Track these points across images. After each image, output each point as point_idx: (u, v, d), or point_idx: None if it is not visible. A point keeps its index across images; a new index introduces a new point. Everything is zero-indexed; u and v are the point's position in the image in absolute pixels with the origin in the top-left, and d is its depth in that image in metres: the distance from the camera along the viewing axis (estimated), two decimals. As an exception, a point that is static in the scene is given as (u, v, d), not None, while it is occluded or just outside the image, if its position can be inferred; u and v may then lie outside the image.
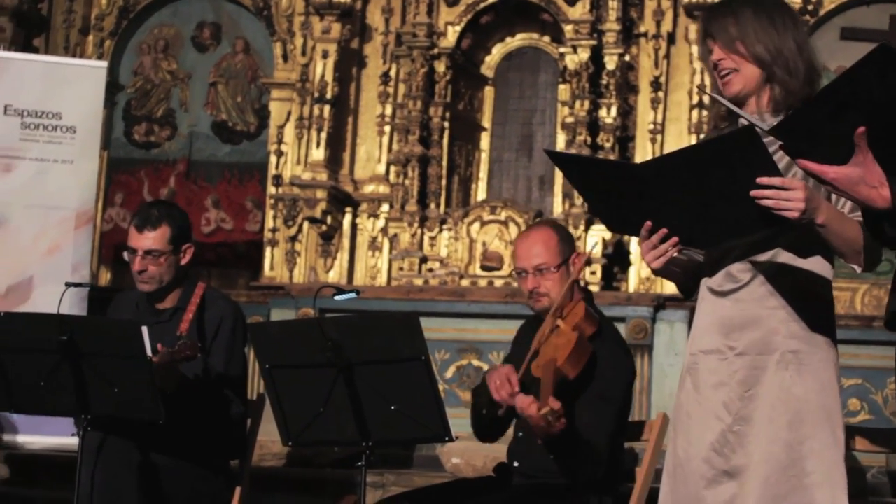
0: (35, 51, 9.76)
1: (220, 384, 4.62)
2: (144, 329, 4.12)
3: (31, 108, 7.44)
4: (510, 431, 4.47)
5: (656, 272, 3.24)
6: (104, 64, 8.31)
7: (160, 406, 4.16)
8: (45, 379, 4.22)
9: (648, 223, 3.07)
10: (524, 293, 4.34)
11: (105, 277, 10.02)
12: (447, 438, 3.83)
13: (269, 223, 9.72)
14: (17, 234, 7.38)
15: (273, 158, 9.84)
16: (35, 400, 4.30)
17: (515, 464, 4.33)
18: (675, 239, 3.07)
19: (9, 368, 4.24)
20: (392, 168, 9.57)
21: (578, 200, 8.89)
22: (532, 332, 4.33)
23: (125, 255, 4.73)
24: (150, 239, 4.68)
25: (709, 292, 3.30)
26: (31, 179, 7.43)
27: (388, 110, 9.68)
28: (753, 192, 2.87)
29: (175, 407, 4.29)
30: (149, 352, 4.13)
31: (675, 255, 3.14)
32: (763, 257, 3.20)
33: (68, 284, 4.89)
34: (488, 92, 9.82)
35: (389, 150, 9.65)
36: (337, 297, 4.35)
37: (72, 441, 7.12)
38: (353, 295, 4.34)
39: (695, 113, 8.98)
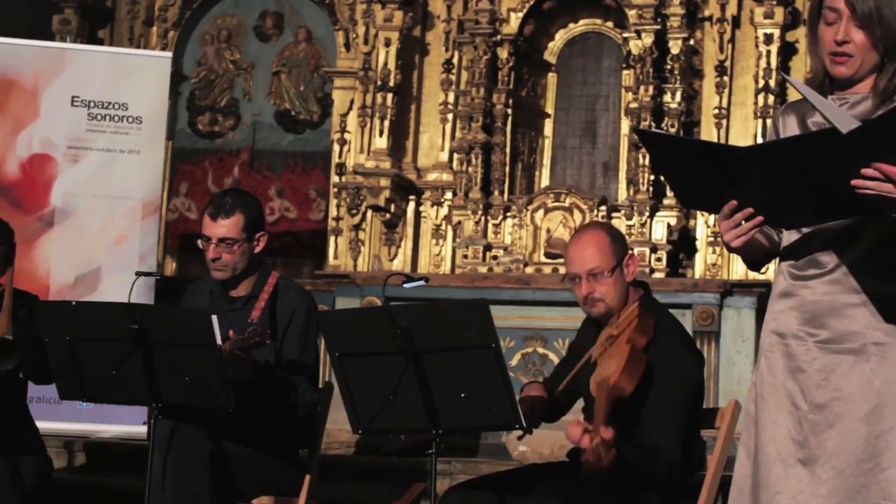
0: (100, 42, 9.83)
1: (292, 373, 4.62)
2: (214, 318, 4.13)
3: (98, 99, 7.49)
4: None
5: (731, 250, 3.19)
6: (169, 54, 8.36)
7: (230, 394, 4.17)
8: (117, 368, 4.23)
9: (733, 202, 3.03)
10: (579, 300, 4.24)
11: (170, 267, 10.09)
12: (517, 426, 3.81)
13: (333, 212, 9.74)
14: (85, 225, 7.45)
15: (336, 147, 9.86)
16: (107, 389, 4.32)
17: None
18: (759, 218, 3.03)
19: (81, 357, 4.26)
20: (455, 156, 9.55)
21: (643, 187, 8.84)
22: (593, 328, 4.29)
23: (199, 242, 4.73)
24: (224, 227, 4.67)
25: (789, 276, 3.24)
26: (97, 170, 7.49)
27: (451, 98, 9.66)
28: (856, 182, 2.82)
29: (248, 395, 4.30)
30: (219, 340, 4.13)
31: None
32: (848, 246, 3.14)
33: (138, 274, 4.91)
34: (551, 78, 9.77)
35: (452, 137, 9.62)
36: (406, 285, 4.34)
37: (140, 429, 7.22)
38: (421, 282, 4.33)
39: (760, 97, 8.88)
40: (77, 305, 4.37)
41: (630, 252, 4.28)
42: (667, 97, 8.96)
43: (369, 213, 9.52)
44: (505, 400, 3.77)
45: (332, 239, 9.69)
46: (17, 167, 7.43)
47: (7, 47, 7.51)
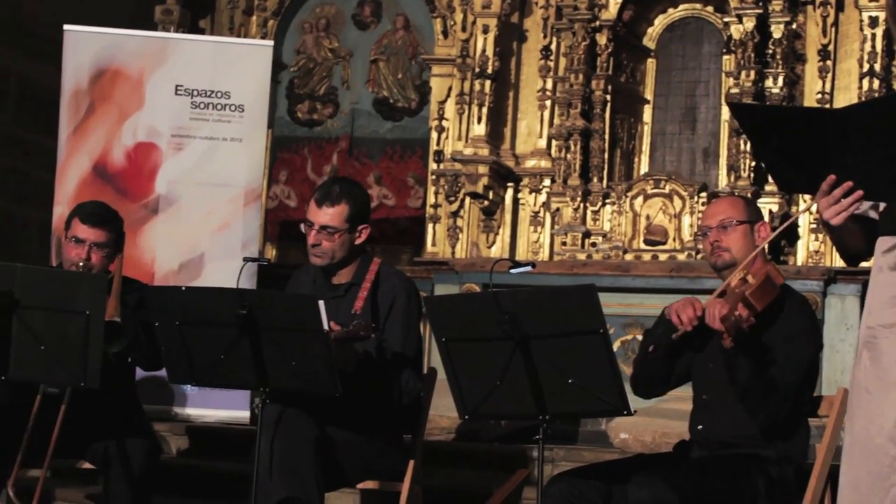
0: (201, 32, 9.94)
1: (395, 360, 4.63)
2: (321, 303, 4.16)
3: (201, 87, 7.58)
4: (683, 397, 4.43)
5: (832, 230, 3.14)
6: (270, 43, 8.42)
7: (337, 380, 4.19)
8: (225, 352, 4.28)
9: (832, 177, 2.98)
10: (706, 252, 4.34)
11: (270, 254, 10.16)
12: (625, 412, 3.80)
13: (431, 199, 9.75)
14: (189, 213, 7.54)
15: (434, 134, 9.86)
16: (215, 373, 4.37)
17: (699, 426, 4.28)
18: (859, 193, 2.98)
19: (190, 342, 4.32)
20: (553, 142, 9.52)
21: (745, 173, 8.73)
22: None
23: (302, 226, 4.76)
24: (328, 215, 4.69)
25: (887, 265, 3.19)
26: (200, 158, 7.58)
27: (549, 84, 9.61)
28: None
29: (352, 382, 4.33)
30: (325, 326, 4.16)
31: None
32: None
33: (246, 259, 4.97)
34: (650, 64, 9.69)
35: (550, 124, 9.58)
36: (512, 271, 4.34)
37: (244, 414, 7.30)
38: (528, 268, 4.33)
39: (865, 82, 8.71)
40: (187, 290, 4.42)
41: (764, 222, 4.35)
42: (768, 82, 8.83)
43: (467, 200, 9.52)
44: (613, 386, 3.77)
45: (430, 226, 9.70)
46: (122, 156, 7.55)
47: (112, 38, 7.62)
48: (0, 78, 9.06)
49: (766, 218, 8.50)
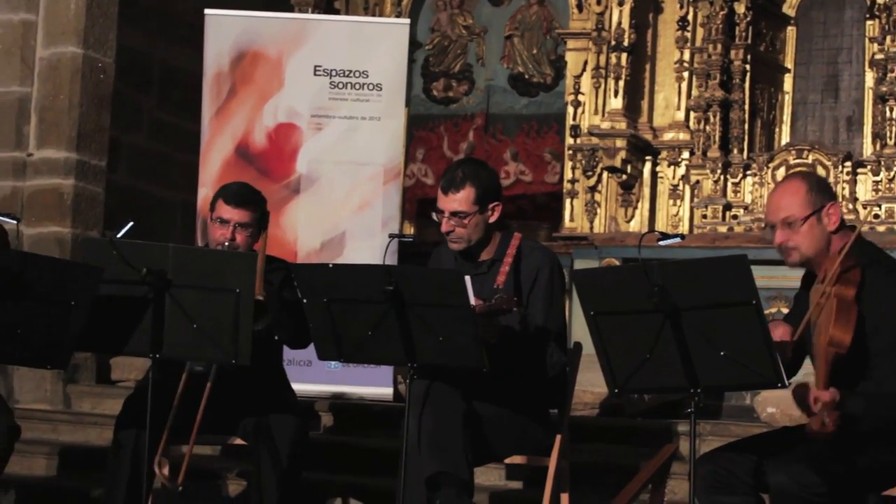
0: (336, 12, 10.00)
1: (540, 334, 4.62)
2: (467, 278, 4.17)
3: (339, 67, 7.62)
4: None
5: None
6: (407, 21, 8.44)
7: (483, 355, 4.20)
8: (373, 328, 4.31)
9: None
10: (776, 247, 4.17)
11: (409, 232, 10.21)
12: (780, 384, 3.73)
13: (569, 174, 9.69)
14: (330, 191, 7.60)
15: (570, 109, 9.78)
16: (363, 349, 4.39)
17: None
18: None
19: (337, 319, 4.35)
20: (692, 114, 9.40)
21: (891, 141, 8.53)
22: (809, 280, 4.18)
23: (434, 215, 4.77)
24: (456, 201, 4.68)
25: None
26: (340, 137, 7.62)
27: (687, 55, 9.48)
28: None
29: (498, 357, 4.33)
30: (472, 301, 4.17)
31: None
32: None
33: (391, 236, 4.99)
34: (790, 32, 9.51)
35: (689, 95, 9.46)
36: (661, 242, 4.28)
37: (388, 391, 7.36)
38: (677, 239, 4.27)
39: None
40: (335, 268, 4.46)
41: (832, 202, 4.13)
42: (914, 47, 8.61)
43: (605, 174, 9.45)
44: (766, 358, 3.70)
45: (567, 201, 9.64)
46: (263, 137, 7.63)
47: (252, 21, 7.71)
48: (144, 64, 9.24)
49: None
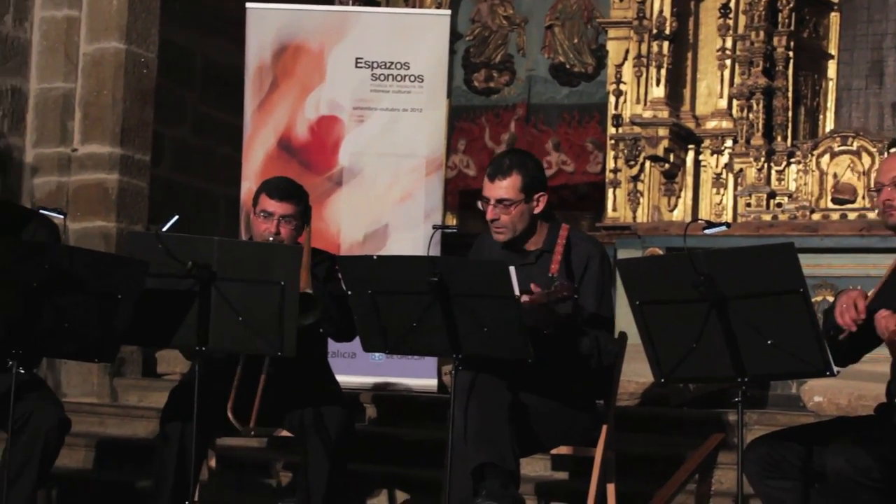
0: (377, 4, 10.01)
1: (592, 324, 4.61)
2: (512, 269, 4.16)
3: (381, 59, 7.61)
4: (878, 358, 4.30)
5: None
6: (448, 12, 8.41)
7: (528, 345, 4.19)
8: (418, 320, 4.31)
9: None
10: (879, 209, 4.21)
11: (451, 223, 10.22)
12: (828, 373, 3.70)
13: (611, 163, 9.67)
14: (372, 184, 7.59)
15: (612, 98, 9.76)
16: (408, 341, 4.39)
17: (896, 401, 4.16)
18: None
19: (382, 310, 4.35)
20: (735, 102, 9.35)
21: (937, 126, 8.47)
22: None
23: (479, 203, 4.76)
24: (502, 188, 4.67)
25: None
26: (382, 129, 7.62)
27: (729, 43, 9.44)
28: None
29: (547, 347, 4.32)
30: (517, 291, 4.16)
31: None
32: None
33: (435, 227, 4.99)
34: (833, 18, 9.46)
35: (731, 83, 9.42)
36: (707, 231, 4.26)
37: (431, 382, 7.36)
38: (723, 227, 4.25)
39: None
40: (379, 260, 4.46)
41: None
42: (961, 31, 8.54)
43: (648, 163, 9.42)
44: (815, 346, 3.68)
45: (610, 191, 9.63)
46: (306, 129, 7.64)
47: (294, 14, 7.71)
48: (186, 58, 9.27)
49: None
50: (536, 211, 4.73)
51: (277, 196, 5.04)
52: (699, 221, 4.79)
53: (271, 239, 4.97)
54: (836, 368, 3.70)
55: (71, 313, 4.23)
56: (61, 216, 4.46)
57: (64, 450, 4.86)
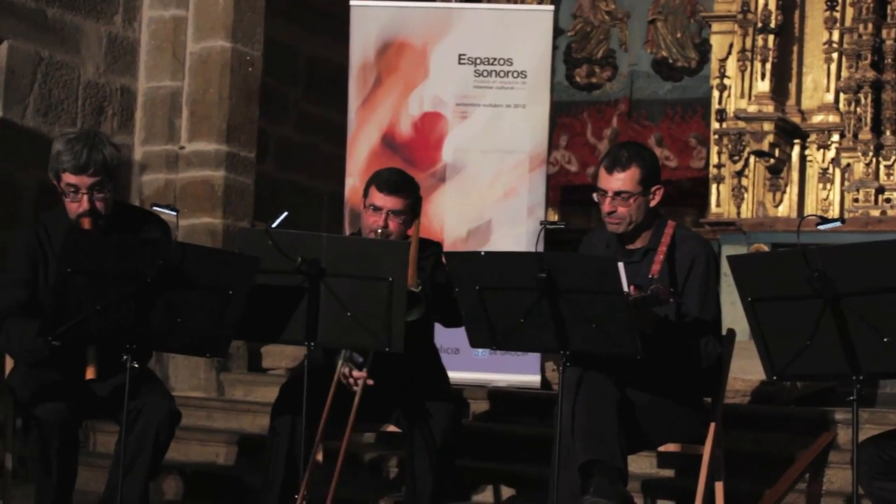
0: (480, 1, 10.01)
1: (695, 324, 4.57)
2: (621, 265, 4.14)
3: (483, 55, 7.62)
4: None
5: None
6: (551, 8, 8.38)
7: (637, 342, 4.17)
8: (525, 316, 4.31)
9: None
10: None
11: (554, 219, 10.19)
12: (946, 371, 3.64)
13: (714, 159, 9.56)
14: (475, 180, 7.60)
15: (716, 93, 9.65)
16: (515, 336, 4.40)
17: None
18: None
19: (490, 306, 4.36)
20: (842, 96, 9.20)
21: None
22: None
23: (595, 196, 4.75)
24: (620, 180, 4.67)
25: None
26: (485, 125, 7.62)
27: (836, 36, 9.28)
28: None
29: (652, 345, 4.29)
30: (625, 287, 4.14)
31: None
32: None
33: (543, 223, 4.98)
34: (945, 8, 9.25)
35: (838, 77, 9.26)
36: (820, 227, 4.21)
37: (535, 378, 7.35)
38: (837, 223, 4.20)
39: None
40: (486, 255, 4.46)
41: None
42: None
43: (752, 158, 9.30)
44: (933, 344, 3.62)
45: (713, 186, 9.53)
46: (409, 126, 7.67)
47: (398, 11, 7.75)
48: (290, 57, 9.36)
49: None
50: (653, 204, 4.73)
51: (387, 190, 5.03)
52: (812, 217, 4.70)
53: (379, 232, 4.99)
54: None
55: (183, 309, 4.29)
56: (174, 213, 4.52)
57: (175, 443, 4.94)
